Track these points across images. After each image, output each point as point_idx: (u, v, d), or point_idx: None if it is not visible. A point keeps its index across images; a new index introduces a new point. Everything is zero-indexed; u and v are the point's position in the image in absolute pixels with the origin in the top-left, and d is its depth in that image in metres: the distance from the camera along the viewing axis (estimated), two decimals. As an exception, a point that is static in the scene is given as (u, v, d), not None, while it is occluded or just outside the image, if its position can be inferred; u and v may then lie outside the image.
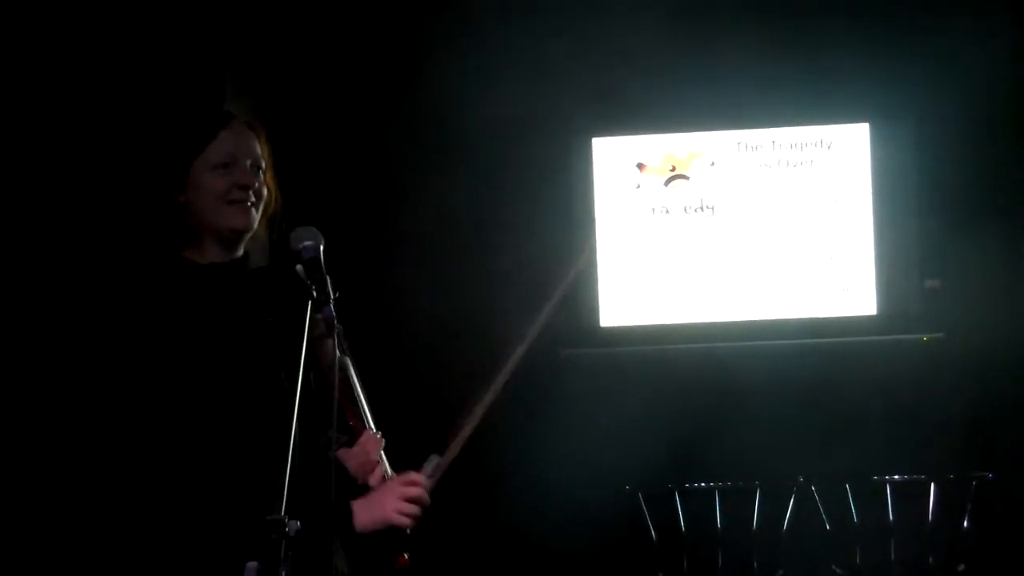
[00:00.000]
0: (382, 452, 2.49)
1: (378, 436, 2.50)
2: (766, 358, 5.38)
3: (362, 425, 2.50)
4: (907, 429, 5.30)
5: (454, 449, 2.56)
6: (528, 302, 5.45)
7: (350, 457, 2.43)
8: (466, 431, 2.58)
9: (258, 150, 2.46)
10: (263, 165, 2.46)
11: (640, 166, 5.57)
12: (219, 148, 2.40)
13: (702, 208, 5.56)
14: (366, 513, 2.35)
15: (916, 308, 5.45)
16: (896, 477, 5.16)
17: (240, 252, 2.48)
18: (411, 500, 2.44)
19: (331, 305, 2.19)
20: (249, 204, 2.41)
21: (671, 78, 5.44)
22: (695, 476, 5.29)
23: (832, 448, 5.17)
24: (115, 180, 3.76)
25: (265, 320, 2.39)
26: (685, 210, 5.58)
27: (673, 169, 5.57)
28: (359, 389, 2.52)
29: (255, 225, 2.45)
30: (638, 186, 5.59)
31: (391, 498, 2.42)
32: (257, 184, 2.43)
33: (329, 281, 2.20)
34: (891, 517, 5.14)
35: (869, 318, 5.46)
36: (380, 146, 5.65)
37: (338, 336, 2.23)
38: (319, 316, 2.20)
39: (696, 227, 5.58)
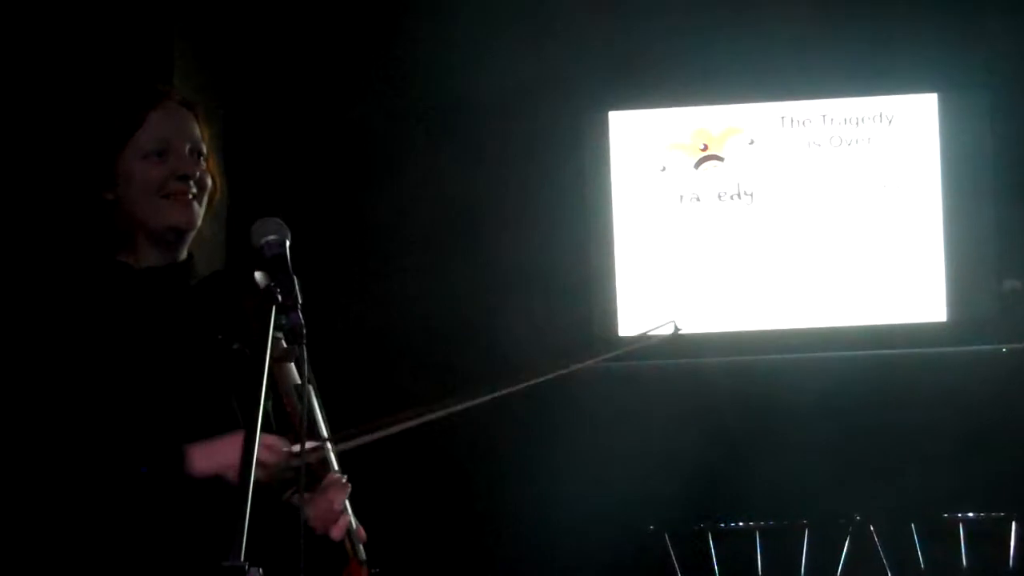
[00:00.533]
0: (348, 503, 2.41)
1: (343, 480, 2.42)
2: (816, 373, 5.32)
3: (324, 468, 2.41)
4: (983, 457, 5.19)
5: (349, 442, 2.43)
6: (533, 306, 5.43)
7: (311, 505, 2.35)
8: (377, 435, 2.44)
9: (197, 132, 2.41)
10: (204, 150, 2.41)
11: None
12: (151, 133, 2.35)
13: (739, 195, 5.54)
14: (206, 458, 2.24)
15: (993, 313, 5.42)
16: (970, 515, 5.13)
17: (183, 254, 2.42)
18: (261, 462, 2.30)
19: (299, 312, 2.12)
20: (190, 197, 2.35)
21: (703, 40, 5.40)
22: (731, 513, 5.26)
23: (894, 480, 5.13)
24: (36, 175, 3.89)
25: (214, 336, 2.35)
26: (719, 197, 5.55)
27: (705, 148, 5.55)
28: (323, 423, 2.43)
29: (198, 221, 2.38)
30: (663, 169, 5.55)
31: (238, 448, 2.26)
32: (198, 172, 2.38)
33: (297, 283, 2.13)
34: (964, 562, 5.08)
35: (938, 325, 5.46)
36: (354, 122, 5.58)
37: (301, 360, 2.19)
38: (283, 325, 2.14)
39: (732, 217, 5.53)
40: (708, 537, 5.20)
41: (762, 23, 5.36)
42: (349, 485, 2.41)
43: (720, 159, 5.52)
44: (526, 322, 5.14)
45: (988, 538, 5.09)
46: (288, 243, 2.18)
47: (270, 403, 2.34)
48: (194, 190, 2.36)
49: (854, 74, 5.46)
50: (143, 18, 4.60)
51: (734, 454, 5.22)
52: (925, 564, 5.09)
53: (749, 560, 5.18)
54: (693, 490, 5.15)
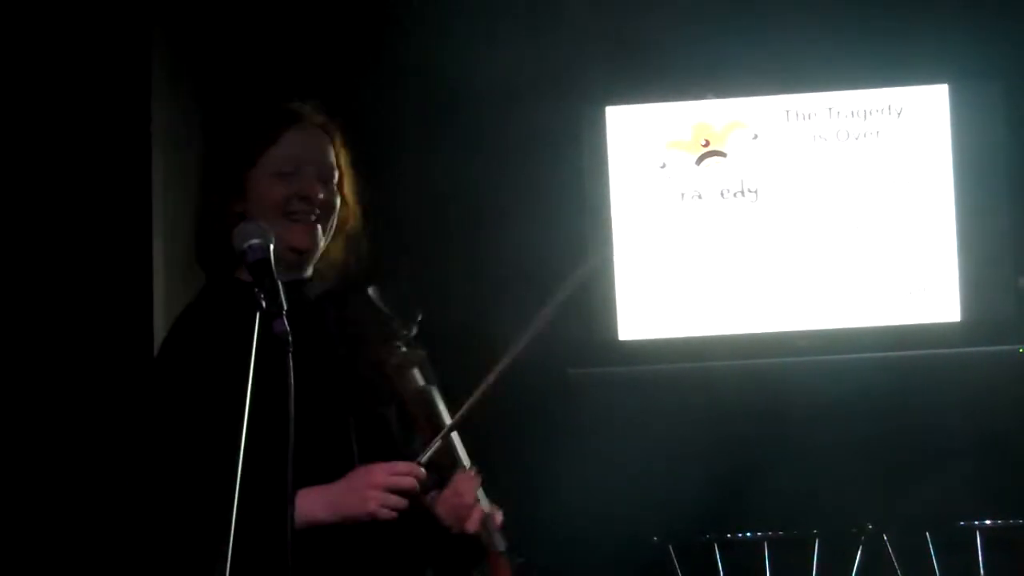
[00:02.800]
0: (481, 490, 2.59)
1: (472, 473, 2.60)
2: (823, 376, 5.29)
3: (452, 464, 2.60)
4: (1000, 462, 5.23)
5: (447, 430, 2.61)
6: (529, 309, 5.42)
7: (440, 502, 2.53)
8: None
9: (331, 157, 2.60)
10: (336, 176, 2.59)
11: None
12: (282, 152, 2.53)
13: (743, 192, 5.52)
14: (326, 501, 2.36)
15: (1009, 313, 5.39)
16: (988, 522, 5.12)
17: (307, 274, 2.60)
18: (398, 491, 2.44)
19: (284, 318, 2.14)
20: (313, 219, 2.52)
21: (704, 30, 5.37)
22: (738, 523, 5.27)
23: (908, 487, 5.14)
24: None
25: (328, 354, 2.49)
26: (722, 195, 5.53)
27: (706, 144, 5.53)
28: (447, 419, 2.60)
29: (320, 244, 2.55)
30: (663, 165, 5.53)
31: (371, 489, 2.40)
32: (323, 195, 2.53)
33: (282, 288, 2.17)
34: (983, 572, 5.06)
35: (951, 326, 5.41)
36: (344, 117, 5.47)
37: (423, 364, 2.50)
38: (404, 335, 2.45)
39: (736, 216, 5.51)
40: (714, 548, 5.20)
41: (764, 13, 5.34)
42: (479, 477, 2.59)
43: (723, 155, 5.50)
44: (522, 323, 5.10)
45: (1007, 547, 5.08)
46: (272, 247, 2.22)
47: (391, 410, 2.54)
48: (317, 212, 2.51)
49: (861, 65, 5.41)
50: (119, 6, 4.58)
51: (740, 461, 5.20)
52: (941, 574, 5.05)
53: (757, 572, 5.17)
54: (698, 499, 5.10)
